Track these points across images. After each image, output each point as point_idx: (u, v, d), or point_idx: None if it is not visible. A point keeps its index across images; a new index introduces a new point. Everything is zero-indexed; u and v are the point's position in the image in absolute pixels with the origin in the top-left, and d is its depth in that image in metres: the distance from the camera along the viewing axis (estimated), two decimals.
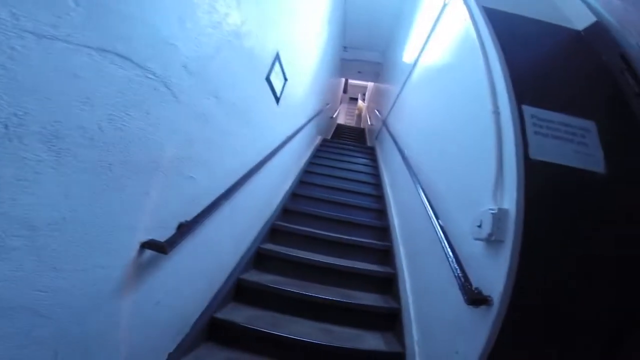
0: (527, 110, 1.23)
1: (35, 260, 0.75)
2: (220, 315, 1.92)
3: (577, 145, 1.20)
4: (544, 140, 1.18)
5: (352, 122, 13.90)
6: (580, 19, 1.72)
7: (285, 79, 2.63)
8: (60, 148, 0.75)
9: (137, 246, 1.11)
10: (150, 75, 1.02)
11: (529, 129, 1.19)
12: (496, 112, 1.33)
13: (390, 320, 2.19)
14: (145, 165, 1.07)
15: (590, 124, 1.26)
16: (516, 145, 1.17)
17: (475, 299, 1.13)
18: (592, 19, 1.65)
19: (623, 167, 1.20)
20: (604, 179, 1.16)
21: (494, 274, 1.12)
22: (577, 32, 1.70)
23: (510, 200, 1.13)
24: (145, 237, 1.14)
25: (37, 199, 0.72)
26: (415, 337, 1.80)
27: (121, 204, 0.99)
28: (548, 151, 1.16)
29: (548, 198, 1.13)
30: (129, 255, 1.08)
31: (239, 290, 2.24)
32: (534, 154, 1.16)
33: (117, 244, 1.01)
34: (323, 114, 5.99)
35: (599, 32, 1.60)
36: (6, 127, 0.63)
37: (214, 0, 1.30)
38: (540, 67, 1.51)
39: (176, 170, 1.27)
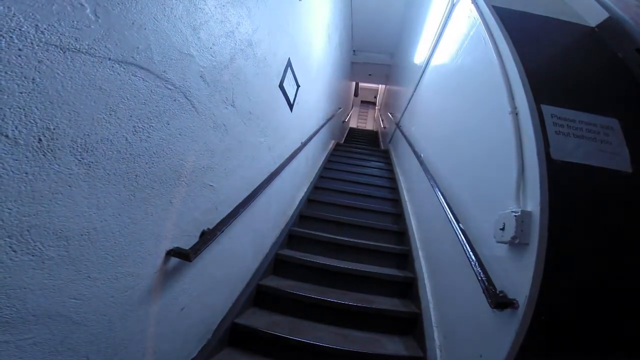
0: (547, 109, 1.21)
1: (71, 270, 0.78)
2: (240, 320, 1.94)
3: (600, 143, 1.17)
4: (565, 140, 1.16)
5: (364, 125, 13.89)
6: (592, 16, 1.69)
7: (298, 85, 2.65)
8: (90, 161, 0.78)
9: (163, 254, 1.14)
10: (170, 86, 1.04)
11: (550, 129, 1.17)
12: (514, 113, 1.31)
13: (410, 325, 2.17)
14: (168, 176, 1.10)
15: (613, 122, 1.23)
16: (537, 146, 1.15)
17: (500, 302, 1.12)
18: (604, 14, 1.63)
19: None
20: (632, 177, 1.13)
21: (519, 277, 1.10)
22: (591, 29, 1.67)
23: (533, 202, 1.11)
24: (170, 245, 1.17)
25: (70, 211, 0.75)
26: (437, 341, 1.77)
27: (147, 213, 1.02)
28: (570, 151, 1.14)
29: (573, 199, 1.11)
30: (155, 263, 1.11)
31: (258, 295, 2.26)
32: (556, 155, 1.13)
33: (144, 252, 1.04)
34: (335, 118, 6.00)
35: (612, 27, 1.58)
36: (40, 140, 0.66)
37: (225, 10, 1.33)
38: (556, 65, 1.48)
39: (198, 180, 1.30)
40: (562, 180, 1.11)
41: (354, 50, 7.90)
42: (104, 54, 0.78)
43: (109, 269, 0.90)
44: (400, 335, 2.13)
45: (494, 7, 1.79)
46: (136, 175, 0.94)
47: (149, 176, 1.00)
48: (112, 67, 0.81)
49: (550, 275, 1.03)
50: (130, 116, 0.89)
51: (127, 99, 0.87)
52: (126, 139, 0.88)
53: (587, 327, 1.05)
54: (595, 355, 1.05)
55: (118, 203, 0.89)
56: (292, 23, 2.35)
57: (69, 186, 0.73)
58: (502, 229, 1.19)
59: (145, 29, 0.91)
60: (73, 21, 0.70)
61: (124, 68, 0.85)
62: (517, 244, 1.12)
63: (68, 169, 0.73)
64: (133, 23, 0.86)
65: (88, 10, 0.73)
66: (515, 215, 1.12)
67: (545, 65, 1.45)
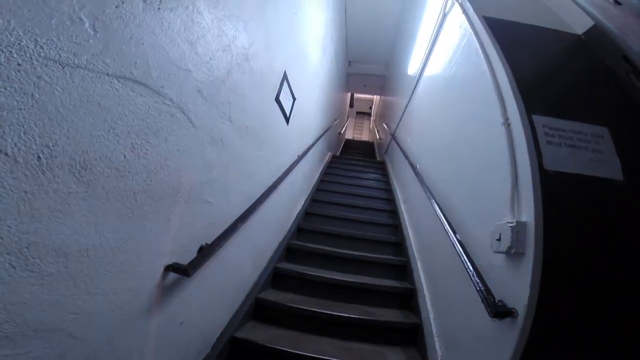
0: (538, 119, 1.24)
1: (70, 285, 0.77)
2: (240, 334, 1.92)
3: (591, 152, 1.19)
4: (557, 150, 1.18)
5: (360, 136, 13.98)
6: (578, 23, 1.73)
7: (294, 98, 2.68)
8: (89, 179, 0.78)
9: (162, 269, 1.14)
10: (168, 102, 1.05)
11: (542, 139, 1.19)
12: (507, 124, 1.33)
13: (412, 336, 2.15)
14: (166, 192, 1.10)
15: (603, 130, 1.25)
16: (530, 156, 1.17)
17: (499, 311, 1.12)
18: (590, 22, 1.66)
19: None
20: (623, 186, 1.15)
21: (517, 286, 1.11)
22: (578, 36, 1.71)
23: (528, 213, 1.13)
24: (168, 261, 1.17)
25: (69, 228, 0.75)
26: (439, 352, 1.76)
27: (145, 229, 1.02)
28: (563, 161, 1.16)
29: (567, 209, 1.12)
30: (154, 278, 1.11)
31: (257, 309, 2.24)
32: (549, 165, 1.15)
33: (143, 268, 1.04)
34: (332, 130, 6.04)
35: (598, 35, 1.61)
36: (39, 158, 0.66)
37: (222, 24, 1.33)
38: (545, 74, 1.51)
39: (195, 196, 1.30)
40: (555, 191, 1.13)
41: (349, 62, 8.01)
42: (102, 69, 0.78)
43: (108, 285, 0.90)
44: (402, 346, 2.11)
45: (484, 17, 1.83)
46: (134, 193, 0.94)
47: (147, 193, 1.00)
48: (111, 82, 0.81)
49: (548, 283, 1.04)
50: (129, 132, 0.89)
51: (125, 115, 0.87)
52: (124, 156, 0.89)
53: (586, 333, 1.05)
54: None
55: (116, 220, 0.89)
56: (288, 36, 2.39)
57: (68, 204, 0.74)
58: (499, 240, 1.20)
59: (143, 43, 0.91)
60: (72, 35, 0.70)
61: (122, 83, 0.85)
62: (513, 253, 1.13)
63: (67, 187, 0.73)
64: (131, 37, 0.86)
65: (87, 25, 0.73)
66: (511, 226, 1.14)
67: (535, 75, 1.49)
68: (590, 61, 1.58)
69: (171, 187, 1.12)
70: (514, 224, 1.13)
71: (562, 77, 1.51)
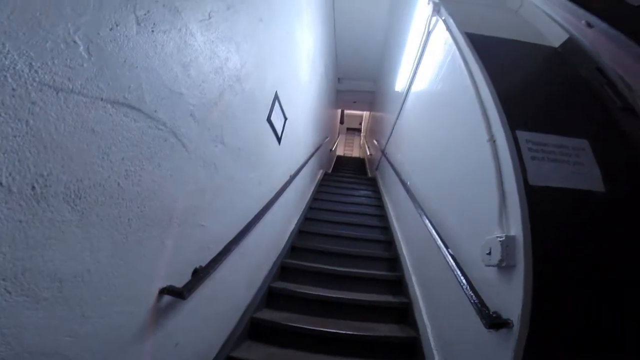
0: (522, 135, 1.28)
1: (66, 309, 0.77)
2: (235, 354, 1.89)
3: (573, 165, 1.23)
4: (540, 165, 1.22)
5: (351, 153, 14.10)
6: (555, 36, 1.80)
7: (285, 118, 2.72)
8: (83, 207, 0.78)
9: (156, 292, 1.14)
10: (161, 126, 1.04)
11: (526, 155, 1.23)
12: (492, 141, 1.37)
13: (409, 350, 2.14)
14: (159, 218, 1.10)
15: (583, 143, 1.30)
16: (515, 172, 1.21)
17: (495, 323, 1.14)
18: (565, 35, 1.73)
19: (622, 184, 1.22)
20: (605, 196, 1.19)
21: (511, 298, 1.13)
22: (554, 49, 1.77)
23: (516, 227, 1.15)
24: (163, 284, 1.17)
25: (64, 254, 0.75)
26: None
27: (140, 254, 1.02)
28: (546, 175, 1.20)
29: (553, 222, 1.15)
30: (148, 301, 1.10)
31: (253, 328, 2.22)
32: (533, 180, 1.19)
33: (137, 291, 1.04)
34: (323, 147, 6.09)
35: (573, 47, 1.67)
36: (33, 188, 0.66)
37: (214, 45, 1.35)
38: (526, 89, 1.56)
39: (189, 220, 1.30)
40: (540, 205, 1.16)
41: (338, 78, 8.16)
42: (96, 94, 0.78)
43: (103, 308, 0.89)
44: None
45: (466, 33, 1.89)
46: (128, 219, 0.94)
47: (141, 219, 1.00)
48: (105, 107, 0.80)
49: (540, 293, 1.07)
50: (123, 159, 0.89)
51: (119, 141, 0.87)
52: (118, 184, 0.89)
53: (582, 339, 1.07)
54: None
55: (111, 246, 0.89)
56: (279, 56, 2.43)
57: (62, 232, 0.74)
58: (489, 254, 1.22)
59: (137, 67, 0.90)
60: (66, 59, 0.69)
61: (115, 109, 0.84)
62: (504, 266, 1.16)
63: (61, 215, 0.73)
64: (125, 61, 0.86)
65: (81, 48, 0.73)
66: (500, 240, 1.16)
67: (516, 90, 1.54)
68: (567, 74, 1.64)
69: (165, 212, 1.13)
70: (504, 238, 1.16)
71: (542, 90, 1.57)
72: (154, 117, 1.01)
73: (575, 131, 1.34)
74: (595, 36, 1.37)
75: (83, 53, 0.74)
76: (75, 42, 0.71)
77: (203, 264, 1.41)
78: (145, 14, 0.94)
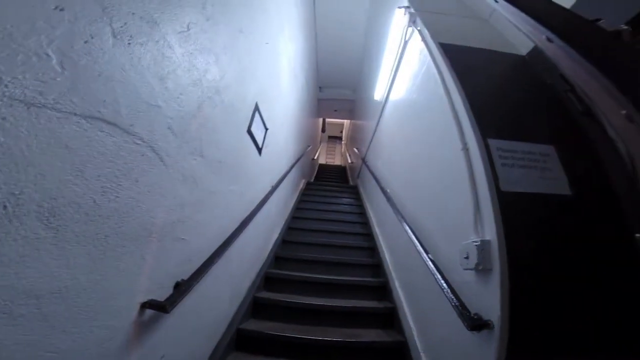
0: (493, 143, 1.34)
1: (45, 325, 0.76)
2: None
3: (541, 171, 1.29)
4: (511, 171, 1.27)
5: (333, 161, 14.18)
6: (522, 44, 1.89)
7: (266, 128, 2.72)
8: (58, 225, 0.76)
9: (138, 307, 1.12)
10: (138, 141, 1.03)
11: (497, 162, 1.29)
12: (465, 149, 1.42)
13: (397, 354, 2.15)
14: (138, 233, 1.08)
15: (549, 149, 1.37)
16: (487, 179, 1.26)
17: (476, 324, 1.17)
18: (531, 43, 1.81)
19: (586, 186, 1.29)
20: (571, 199, 1.25)
21: (490, 299, 1.16)
22: (522, 57, 1.86)
23: (490, 232, 1.20)
24: (144, 298, 1.15)
25: (39, 272, 0.73)
26: None
27: (119, 270, 1.00)
28: (516, 181, 1.25)
29: (525, 226, 1.20)
30: (130, 315, 1.08)
31: (240, 339, 2.18)
32: (505, 187, 1.24)
33: (118, 306, 1.02)
34: (305, 156, 6.11)
35: (538, 55, 1.76)
36: (5, 207, 0.64)
37: (193, 57, 1.34)
38: (496, 97, 1.63)
39: (169, 235, 1.28)
40: (512, 210, 1.21)
41: (320, 87, 8.23)
42: (70, 109, 0.76)
43: (84, 323, 0.87)
44: None
45: (440, 43, 1.96)
46: (106, 236, 0.92)
47: (119, 235, 0.98)
48: (78, 123, 0.79)
49: (518, 294, 1.11)
50: (98, 176, 0.88)
51: (95, 157, 0.85)
52: (94, 201, 0.87)
53: (560, 335, 1.10)
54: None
55: (89, 262, 0.87)
56: (259, 66, 2.43)
57: (37, 249, 0.72)
58: (467, 258, 1.26)
59: (112, 80, 0.89)
60: (38, 73, 0.68)
61: (90, 124, 0.82)
62: (481, 269, 1.20)
63: (35, 233, 0.71)
64: (100, 74, 0.85)
65: (54, 62, 0.71)
66: (476, 245, 1.21)
67: (487, 98, 1.60)
68: (533, 81, 1.72)
69: (143, 228, 1.11)
70: (479, 242, 1.20)
71: (511, 98, 1.64)
72: (130, 131, 0.99)
73: (541, 137, 1.41)
74: (554, 50, 1.45)
75: (56, 66, 0.73)
76: (48, 55, 0.71)
77: (185, 277, 1.39)
78: (121, 27, 0.93)
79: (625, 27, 1.14)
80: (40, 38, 0.69)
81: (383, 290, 2.91)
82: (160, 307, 1.18)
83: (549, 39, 1.14)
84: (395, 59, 3.25)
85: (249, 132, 2.25)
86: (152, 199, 1.14)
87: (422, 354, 1.86)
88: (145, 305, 1.15)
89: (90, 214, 0.86)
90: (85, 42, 0.80)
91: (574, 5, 1.95)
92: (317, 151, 10.15)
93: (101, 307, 0.94)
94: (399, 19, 3.13)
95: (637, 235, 0.99)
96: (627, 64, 1.12)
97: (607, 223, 1.23)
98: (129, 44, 0.96)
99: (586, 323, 1.11)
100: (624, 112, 0.88)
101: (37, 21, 0.69)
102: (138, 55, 1.00)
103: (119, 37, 0.92)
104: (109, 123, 0.90)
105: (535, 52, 1.80)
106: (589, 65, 0.98)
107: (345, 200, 5.57)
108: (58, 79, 0.73)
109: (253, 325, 2.33)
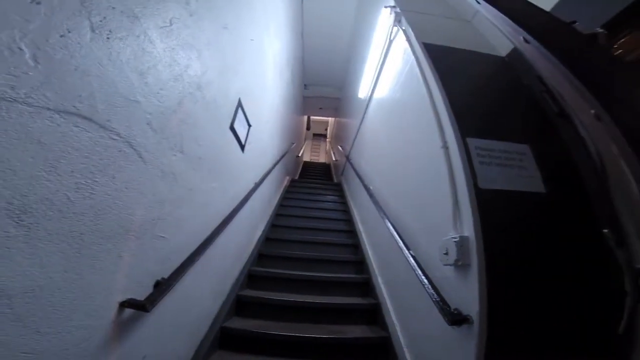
0: (471, 142, 1.37)
1: (19, 326, 0.74)
2: None
3: (517, 169, 1.34)
4: (488, 169, 1.31)
5: (317, 158, 14.18)
6: (502, 46, 1.94)
7: (249, 125, 2.69)
8: (30, 222, 0.74)
9: (116, 306, 1.10)
10: (115, 136, 1.00)
11: (475, 160, 1.32)
12: (445, 147, 1.45)
13: (381, 350, 2.17)
14: (115, 231, 1.05)
15: (525, 148, 1.42)
16: (466, 177, 1.29)
17: (456, 319, 1.19)
18: (510, 45, 1.87)
19: (559, 184, 1.34)
20: (545, 196, 1.30)
21: (469, 294, 1.19)
22: (502, 58, 1.91)
23: (468, 228, 1.23)
24: (123, 297, 1.13)
25: (11, 271, 0.71)
26: None
27: (95, 268, 0.97)
28: (493, 179, 1.29)
29: (502, 222, 1.24)
30: (109, 315, 1.06)
31: (224, 338, 2.16)
32: (482, 184, 1.28)
33: (95, 305, 0.99)
34: (289, 154, 6.09)
35: (517, 57, 1.82)
36: None
37: (174, 52, 1.31)
38: (476, 97, 1.67)
39: (147, 232, 1.25)
40: (490, 207, 1.24)
41: (305, 85, 8.21)
42: (42, 104, 0.74)
43: (59, 323, 0.85)
44: None
45: (424, 43, 1.99)
46: (81, 234, 0.90)
47: (95, 233, 0.96)
48: (52, 117, 0.77)
49: (495, 289, 1.14)
50: (72, 171, 0.85)
51: (69, 152, 0.83)
52: (68, 198, 0.85)
53: (536, 331, 1.15)
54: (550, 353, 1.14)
55: (63, 261, 0.85)
56: (243, 62, 2.40)
57: (8, 248, 0.69)
58: (446, 254, 1.29)
59: (89, 75, 0.87)
60: (10, 67, 0.66)
61: (64, 118, 0.80)
62: (460, 265, 1.23)
63: (5, 232, 0.69)
64: (76, 69, 0.83)
65: (27, 55, 0.70)
66: (455, 241, 1.23)
67: (467, 98, 1.64)
68: (512, 82, 1.78)
69: (120, 225, 1.08)
70: (458, 238, 1.23)
71: (490, 98, 1.69)
72: (107, 126, 0.97)
73: (518, 137, 1.46)
74: (532, 51, 1.49)
75: (29, 60, 0.71)
76: (21, 49, 0.69)
77: (166, 276, 1.37)
78: (101, 21, 0.91)
79: (601, 31, 1.18)
80: (13, 32, 0.67)
81: (366, 286, 2.94)
82: (140, 306, 1.15)
83: (526, 40, 1.17)
84: (380, 58, 3.28)
85: (232, 129, 2.22)
86: (129, 195, 1.12)
87: (405, 349, 1.89)
88: (124, 305, 1.13)
89: (64, 211, 0.84)
90: (62, 36, 0.79)
91: (553, 8, 2.00)
92: (302, 149, 10.13)
93: (77, 306, 0.91)
94: (384, 18, 3.16)
95: (605, 231, 1.04)
96: (601, 66, 1.16)
97: (578, 220, 1.29)
98: (108, 38, 0.94)
99: (560, 320, 1.16)
100: (592, 111, 0.92)
101: (10, 15, 0.67)
102: (117, 50, 0.98)
103: (97, 31, 0.90)
104: (84, 118, 0.88)
105: (515, 53, 1.85)
106: (563, 67, 1.02)
107: (329, 198, 5.59)
108: (30, 73, 0.71)
109: (237, 323, 2.31)
